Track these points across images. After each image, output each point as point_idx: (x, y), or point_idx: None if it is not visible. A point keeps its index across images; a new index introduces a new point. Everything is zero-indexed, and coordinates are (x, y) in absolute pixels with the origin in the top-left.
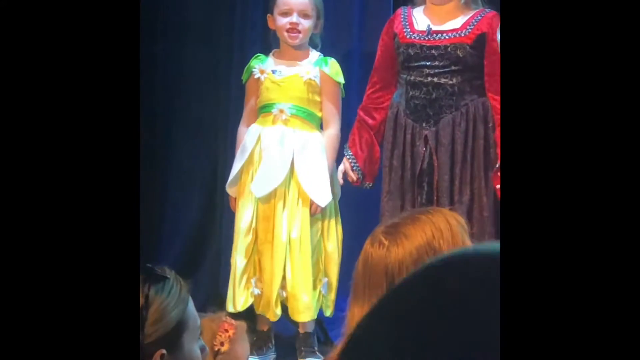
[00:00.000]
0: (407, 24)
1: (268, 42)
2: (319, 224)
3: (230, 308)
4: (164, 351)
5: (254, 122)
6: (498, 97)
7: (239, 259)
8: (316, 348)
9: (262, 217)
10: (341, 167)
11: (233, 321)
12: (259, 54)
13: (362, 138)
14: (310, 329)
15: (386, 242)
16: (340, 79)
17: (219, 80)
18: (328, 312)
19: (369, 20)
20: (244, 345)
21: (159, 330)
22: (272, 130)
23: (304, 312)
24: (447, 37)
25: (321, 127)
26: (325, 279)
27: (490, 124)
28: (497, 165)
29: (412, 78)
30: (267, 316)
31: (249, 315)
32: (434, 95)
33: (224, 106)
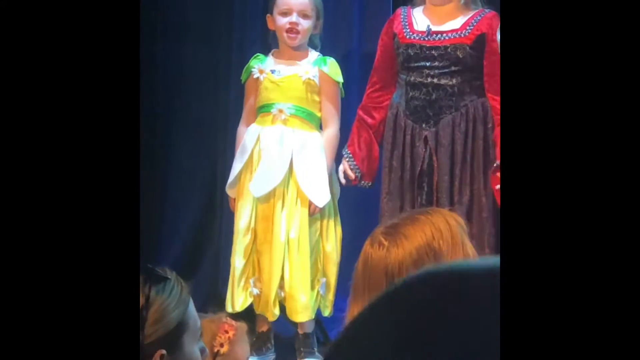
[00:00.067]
0: (406, 24)
1: (267, 43)
2: (318, 224)
3: (229, 308)
4: (164, 351)
5: (253, 121)
6: (498, 97)
7: (237, 259)
8: (315, 349)
9: (262, 217)
10: (341, 167)
11: (233, 322)
12: (258, 54)
13: (360, 137)
14: (309, 329)
15: (386, 243)
16: (340, 78)
17: (219, 80)
18: (326, 312)
19: (368, 20)
20: (244, 347)
21: (159, 331)
22: (271, 130)
23: (302, 312)
24: (446, 38)
25: (320, 127)
26: (324, 279)
27: (490, 125)
28: (495, 164)
29: (412, 79)
30: (266, 315)
31: (248, 315)
32: (433, 96)
33: (223, 106)
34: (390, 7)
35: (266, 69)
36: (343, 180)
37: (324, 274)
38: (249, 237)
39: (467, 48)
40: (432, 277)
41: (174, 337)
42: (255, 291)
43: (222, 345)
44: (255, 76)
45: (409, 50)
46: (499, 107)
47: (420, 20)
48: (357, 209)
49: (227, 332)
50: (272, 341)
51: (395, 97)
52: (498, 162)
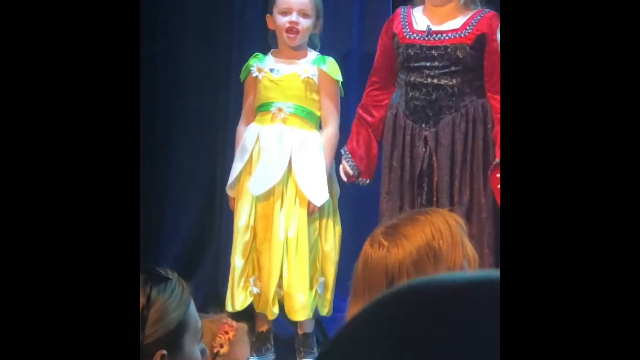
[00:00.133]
0: (406, 24)
1: (267, 42)
2: (317, 223)
3: (229, 307)
4: (164, 352)
5: (252, 120)
6: (498, 97)
7: (237, 258)
8: (315, 349)
9: (261, 216)
10: (342, 166)
11: (234, 323)
12: (257, 53)
13: (359, 135)
14: (309, 329)
15: (386, 243)
16: (339, 77)
17: (219, 80)
18: (324, 312)
19: (368, 20)
20: (244, 347)
21: (159, 331)
22: (270, 129)
23: (300, 311)
24: (446, 38)
25: (320, 126)
26: (322, 279)
27: (490, 125)
28: (495, 163)
29: (412, 79)
30: (266, 313)
31: (248, 315)
32: (433, 96)
33: (223, 106)
34: (390, 7)
35: (265, 68)
36: (344, 178)
37: (323, 274)
38: (248, 235)
39: (467, 48)
40: (425, 291)
41: (175, 338)
42: (256, 290)
43: (222, 345)
44: (254, 75)
45: (409, 50)
46: (499, 106)
47: (420, 20)
48: (356, 208)
49: (227, 332)
50: (272, 341)
51: (395, 97)
52: (498, 159)
